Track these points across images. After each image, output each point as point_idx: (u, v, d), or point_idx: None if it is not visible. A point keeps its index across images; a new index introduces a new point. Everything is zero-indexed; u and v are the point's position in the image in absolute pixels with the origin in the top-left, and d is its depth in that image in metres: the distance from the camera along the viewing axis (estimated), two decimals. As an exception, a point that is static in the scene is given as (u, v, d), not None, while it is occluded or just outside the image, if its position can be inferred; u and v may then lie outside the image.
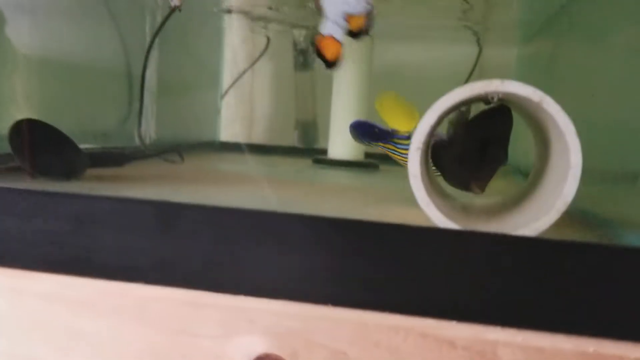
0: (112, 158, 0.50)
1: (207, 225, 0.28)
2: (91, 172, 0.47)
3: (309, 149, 0.94)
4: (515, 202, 0.40)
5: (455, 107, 0.36)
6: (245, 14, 0.81)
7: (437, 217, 0.32)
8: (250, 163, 0.73)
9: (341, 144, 0.80)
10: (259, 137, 1.02)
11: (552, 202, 0.31)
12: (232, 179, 0.55)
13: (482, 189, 0.41)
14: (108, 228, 0.29)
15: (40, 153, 0.43)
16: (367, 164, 0.79)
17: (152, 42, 0.67)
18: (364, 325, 0.25)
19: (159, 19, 0.71)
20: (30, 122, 0.44)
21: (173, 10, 0.67)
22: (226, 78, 1.00)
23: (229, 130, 1.00)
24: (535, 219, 0.31)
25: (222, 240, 0.28)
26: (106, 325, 0.28)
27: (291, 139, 0.98)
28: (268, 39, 0.94)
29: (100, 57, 0.64)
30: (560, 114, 0.31)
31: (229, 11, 0.81)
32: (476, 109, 0.40)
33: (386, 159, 0.82)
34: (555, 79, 0.63)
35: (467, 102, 0.36)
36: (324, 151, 0.83)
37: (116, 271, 0.29)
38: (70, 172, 0.44)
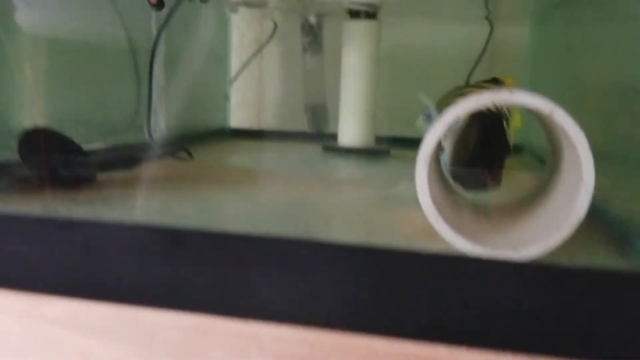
0: (121, 161, 0.50)
1: (217, 250, 0.28)
2: (102, 176, 0.48)
3: (319, 134, 0.94)
4: (527, 205, 0.40)
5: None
6: (248, 4, 0.80)
7: (446, 232, 0.32)
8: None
9: (351, 130, 0.80)
10: (268, 122, 1.01)
11: (564, 216, 0.31)
12: (241, 177, 0.55)
13: (498, 183, 0.41)
14: (119, 254, 0.29)
15: (51, 162, 0.43)
16: (377, 151, 0.79)
17: (158, 34, 0.67)
18: (374, 352, 0.26)
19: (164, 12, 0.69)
20: (39, 130, 0.44)
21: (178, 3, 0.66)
22: (234, 63, 0.99)
23: (239, 116, 0.99)
24: (547, 234, 0.31)
25: (231, 265, 0.28)
26: (117, 350, 0.29)
27: (301, 123, 0.98)
28: (275, 24, 0.93)
29: (107, 51, 0.64)
30: (572, 126, 0.30)
31: (236, 4, 0.80)
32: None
33: (396, 143, 0.82)
34: (571, 56, 0.62)
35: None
36: (334, 136, 0.83)
37: (127, 296, 0.29)
38: (80, 181, 0.44)
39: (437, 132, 0.32)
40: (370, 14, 0.76)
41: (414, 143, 0.73)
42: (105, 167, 0.48)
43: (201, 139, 0.84)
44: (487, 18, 0.85)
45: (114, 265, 0.29)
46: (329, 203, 0.46)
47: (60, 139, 0.45)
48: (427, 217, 0.32)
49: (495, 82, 0.53)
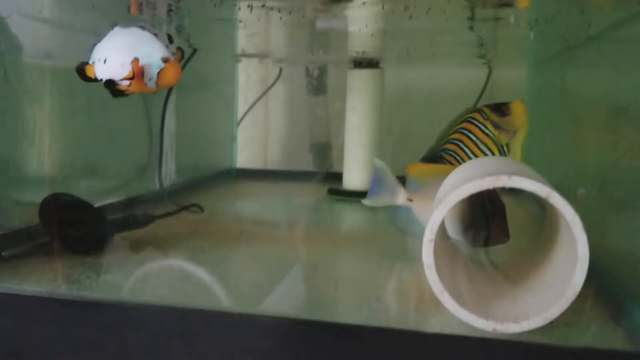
0: (136, 220, 0.52)
1: (228, 330, 0.30)
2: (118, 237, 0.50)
3: (324, 173, 0.96)
4: (525, 265, 0.42)
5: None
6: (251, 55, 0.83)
7: (451, 305, 0.34)
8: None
9: (356, 175, 0.82)
10: (274, 161, 1.03)
11: (561, 290, 0.33)
12: (251, 235, 0.57)
13: (507, 236, 0.43)
14: (139, 333, 0.31)
15: (70, 228, 0.45)
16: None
17: (170, 88, 0.69)
18: None
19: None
20: (59, 196, 0.46)
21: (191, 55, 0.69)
22: (241, 103, 1.01)
23: (245, 156, 1.02)
24: (546, 306, 0.33)
25: (243, 343, 0.29)
26: None
27: (306, 162, 1.00)
28: (280, 68, 0.95)
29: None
30: (566, 208, 0.32)
31: (242, 56, 0.83)
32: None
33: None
34: (567, 99, 0.64)
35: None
36: (339, 175, 0.84)
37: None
38: (98, 246, 0.46)
39: (442, 212, 0.34)
40: (374, 63, 0.79)
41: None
42: (122, 227, 0.50)
43: (209, 182, 0.86)
44: (485, 63, 0.88)
45: (135, 345, 0.31)
46: (336, 265, 0.48)
47: (79, 204, 0.47)
48: (434, 290, 0.34)
49: (498, 106, 0.55)
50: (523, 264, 0.44)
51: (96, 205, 0.56)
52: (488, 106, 0.56)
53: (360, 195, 0.79)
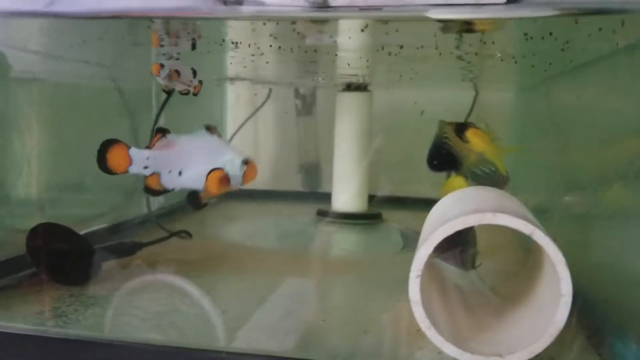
0: (124, 248, 0.52)
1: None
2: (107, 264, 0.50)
3: (313, 193, 0.96)
4: (509, 295, 0.42)
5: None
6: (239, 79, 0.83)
7: (437, 340, 0.34)
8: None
9: (344, 196, 0.82)
10: (263, 181, 1.03)
11: (545, 326, 0.33)
12: (241, 259, 0.58)
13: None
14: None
15: (57, 258, 0.45)
16: (370, 216, 0.81)
17: (159, 113, 0.69)
18: None
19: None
20: (47, 226, 0.46)
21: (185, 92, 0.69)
22: (230, 123, 1.02)
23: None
24: (530, 341, 0.33)
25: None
26: None
27: (295, 182, 1.00)
28: (270, 89, 0.96)
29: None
30: (550, 246, 0.33)
31: (232, 79, 0.83)
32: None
33: (389, 203, 0.84)
34: (554, 120, 0.65)
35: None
36: (327, 195, 0.85)
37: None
38: (86, 276, 0.46)
39: (429, 248, 0.34)
40: (362, 87, 0.79)
41: (405, 202, 0.75)
42: (110, 256, 0.50)
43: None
44: (473, 86, 0.89)
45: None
46: (325, 294, 0.48)
47: (66, 234, 0.47)
48: (420, 326, 0.34)
49: (460, 129, 0.54)
50: (511, 291, 0.45)
51: (84, 231, 0.56)
52: (452, 125, 0.55)
53: (348, 217, 0.80)
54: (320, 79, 0.83)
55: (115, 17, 0.42)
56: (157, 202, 0.72)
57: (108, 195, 0.65)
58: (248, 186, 1.00)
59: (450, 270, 0.50)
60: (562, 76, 0.61)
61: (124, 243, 0.52)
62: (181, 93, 0.57)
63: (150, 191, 0.39)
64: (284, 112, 1.01)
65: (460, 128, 0.54)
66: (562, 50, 0.45)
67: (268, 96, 0.97)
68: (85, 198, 0.61)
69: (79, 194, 0.61)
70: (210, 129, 0.40)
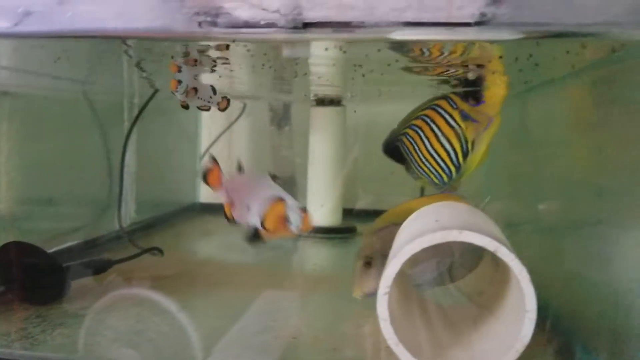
0: (94, 266, 0.51)
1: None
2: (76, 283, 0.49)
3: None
4: (483, 310, 0.43)
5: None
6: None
7: (406, 357, 0.35)
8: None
9: (319, 209, 0.82)
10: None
11: (512, 341, 0.34)
12: (213, 276, 0.57)
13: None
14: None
15: (27, 277, 0.45)
16: (344, 230, 0.82)
17: (131, 128, 0.69)
18: None
19: (137, 101, 0.72)
20: (16, 244, 0.46)
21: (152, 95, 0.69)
22: (204, 136, 1.01)
23: (209, 190, 1.01)
24: (498, 356, 0.34)
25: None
26: None
27: (270, 197, 1.00)
28: (244, 104, 0.96)
29: (80, 147, 0.65)
30: (514, 262, 0.33)
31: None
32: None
33: (365, 218, 0.85)
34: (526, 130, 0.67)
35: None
36: (303, 209, 0.85)
37: None
38: (55, 295, 0.46)
39: (397, 265, 0.35)
40: (336, 101, 0.80)
41: (378, 215, 0.76)
42: (80, 275, 0.50)
43: (172, 218, 0.86)
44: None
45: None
46: (296, 310, 0.49)
47: (35, 252, 0.46)
48: (388, 342, 0.35)
49: (471, 93, 0.49)
50: (488, 302, 0.45)
51: (54, 249, 0.55)
52: (458, 94, 0.49)
53: (323, 231, 0.81)
54: (293, 94, 0.83)
55: (87, 37, 0.42)
56: (129, 218, 0.72)
57: (79, 211, 0.64)
58: (221, 200, 1.01)
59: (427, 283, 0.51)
60: (533, 91, 0.62)
61: (94, 260, 0.51)
62: (200, 109, 0.57)
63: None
64: (259, 126, 1.01)
65: (470, 94, 0.48)
66: (536, 65, 0.46)
67: (242, 110, 0.97)
68: (56, 214, 0.60)
69: (49, 210, 0.60)
70: (274, 177, 0.42)
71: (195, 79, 0.54)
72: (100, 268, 0.51)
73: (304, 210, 0.40)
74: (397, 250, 0.35)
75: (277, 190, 0.41)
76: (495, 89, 0.47)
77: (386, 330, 0.35)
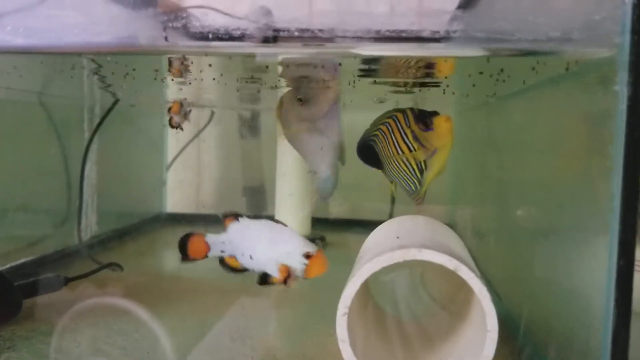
0: (48, 284, 0.49)
1: None
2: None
3: (258, 217, 0.95)
4: (447, 328, 0.42)
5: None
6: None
7: (366, 379, 0.34)
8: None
9: (287, 219, 0.81)
10: (206, 205, 1.01)
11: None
12: (174, 292, 0.56)
13: None
14: None
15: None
16: (313, 240, 0.80)
17: (91, 138, 0.67)
18: None
19: (97, 111, 0.70)
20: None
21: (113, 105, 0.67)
22: (171, 144, 0.99)
23: (175, 199, 0.99)
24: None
25: None
26: None
27: (239, 205, 0.99)
28: (212, 112, 0.94)
29: (37, 159, 0.63)
30: (474, 281, 0.33)
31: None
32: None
33: (333, 228, 0.84)
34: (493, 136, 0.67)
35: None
36: (272, 218, 0.84)
37: None
38: (5, 316, 0.44)
39: (356, 285, 0.34)
40: (303, 111, 0.79)
41: (349, 224, 0.75)
42: (32, 294, 0.48)
43: (136, 230, 0.84)
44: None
45: None
46: (260, 326, 0.47)
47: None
48: (347, 364, 0.34)
49: (423, 115, 0.49)
50: (451, 313, 0.45)
51: (5, 266, 0.53)
52: (413, 111, 0.50)
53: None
54: (262, 103, 0.82)
55: (50, 53, 0.41)
56: (90, 230, 0.70)
57: (35, 225, 0.62)
58: (189, 210, 0.99)
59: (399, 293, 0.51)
60: (499, 101, 0.62)
61: (48, 278, 0.49)
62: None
63: (232, 269, 0.41)
64: (227, 134, 1.00)
65: (422, 116, 0.48)
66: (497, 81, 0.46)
67: (210, 118, 0.96)
68: (9, 229, 0.58)
69: (1, 224, 0.58)
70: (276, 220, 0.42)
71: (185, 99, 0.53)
72: (54, 286, 0.49)
73: (307, 256, 0.40)
74: (357, 270, 0.34)
75: (278, 239, 0.40)
76: (443, 121, 0.48)
77: (345, 352, 0.34)
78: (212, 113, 0.96)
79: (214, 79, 0.54)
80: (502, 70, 0.43)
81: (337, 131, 0.53)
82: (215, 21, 0.35)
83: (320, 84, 0.49)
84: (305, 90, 0.49)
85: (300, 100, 0.47)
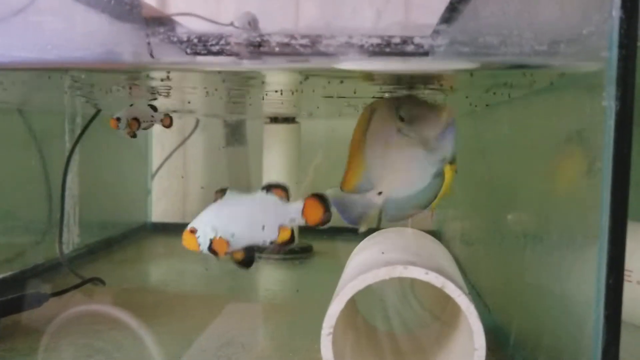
0: (27, 301, 0.48)
1: None
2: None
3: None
4: (434, 344, 0.42)
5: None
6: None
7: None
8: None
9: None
10: (192, 213, 1.00)
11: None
12: (159, 308, 0.55)
13: None
14: None
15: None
16: (300, 250, 0.80)
17: (72, 149, 0.66)
18: None
19: (79, 121, 0.69)
20: None
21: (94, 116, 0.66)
22: (157, 152, 0.98)
23: (161, 208, 0.98)
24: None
25: None
26: None
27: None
28: (197, 119, 0.93)
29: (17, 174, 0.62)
30: (461, 298, 0.32)
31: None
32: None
33: (321, 236, 0.83)
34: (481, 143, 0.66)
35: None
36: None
37: None
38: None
39: (340, 304, 0.33)
40: (290, 119, 0.78)
41: (335, 232, 0.75)
42: (10, 311, 0.46)
43: (121, 240, 0.82)
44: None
45: None
46: (248, 341, 0.46)
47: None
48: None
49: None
50: (443, 322, 0.44)
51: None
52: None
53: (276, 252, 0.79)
54: (247, 112, 0.81)
55: (29, 69, 0.39)
56: (72, 243, 0.68)
57: (14, 238, 0.60)
58: (174, 219, 0.98)
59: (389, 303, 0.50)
60: (488, 109, 0.62)
61: (27, 295, 0.48)
62: (146, 129, 0.55)
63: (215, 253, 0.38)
64: (213, 142, 0.99)
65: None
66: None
67: (196, 126, 0.95)
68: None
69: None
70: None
71: (131, 106, 0.52)
72: (33, 302, 0.48)
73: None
74: (341, 288, 0.33)
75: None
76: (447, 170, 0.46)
77: (330, 372, 0.33)
78: (197, 121, 0.95)
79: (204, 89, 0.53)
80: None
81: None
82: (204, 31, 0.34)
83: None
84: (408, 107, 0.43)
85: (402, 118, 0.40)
